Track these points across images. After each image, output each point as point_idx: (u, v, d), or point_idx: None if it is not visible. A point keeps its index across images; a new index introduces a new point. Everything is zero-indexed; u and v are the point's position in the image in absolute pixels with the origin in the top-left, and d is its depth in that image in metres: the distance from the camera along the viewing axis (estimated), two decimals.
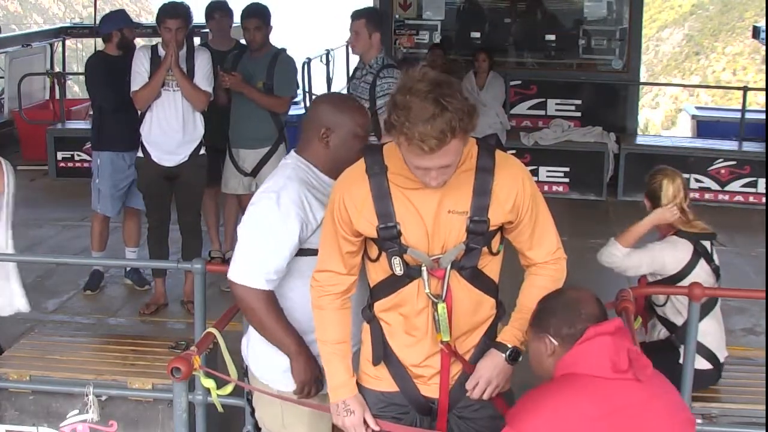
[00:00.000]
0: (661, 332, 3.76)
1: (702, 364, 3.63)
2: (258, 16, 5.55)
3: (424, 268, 2.38)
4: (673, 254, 3.68)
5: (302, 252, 2.63)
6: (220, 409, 2.97)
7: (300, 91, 8.40)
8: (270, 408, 2.78)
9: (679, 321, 3.67)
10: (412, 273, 2.41)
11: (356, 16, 4.97)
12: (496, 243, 2.46)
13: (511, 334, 2.50)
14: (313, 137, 2.70)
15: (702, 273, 3.63)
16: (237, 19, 6.09)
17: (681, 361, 3.50)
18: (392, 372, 2.53)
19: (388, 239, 2.38)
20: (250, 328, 2.78)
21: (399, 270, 2.41)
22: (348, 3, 6.03)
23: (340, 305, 2.52)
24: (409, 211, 2.37)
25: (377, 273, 2.50)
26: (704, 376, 3.64)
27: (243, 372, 2.89)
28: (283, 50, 5.68)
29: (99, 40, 10.62)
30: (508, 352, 2.48)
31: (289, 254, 2.60)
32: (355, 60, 10.80)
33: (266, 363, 2.74)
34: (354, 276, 2.52)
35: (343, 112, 2.70)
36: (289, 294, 2.67)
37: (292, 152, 2.78)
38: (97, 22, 10.65)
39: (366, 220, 2.39)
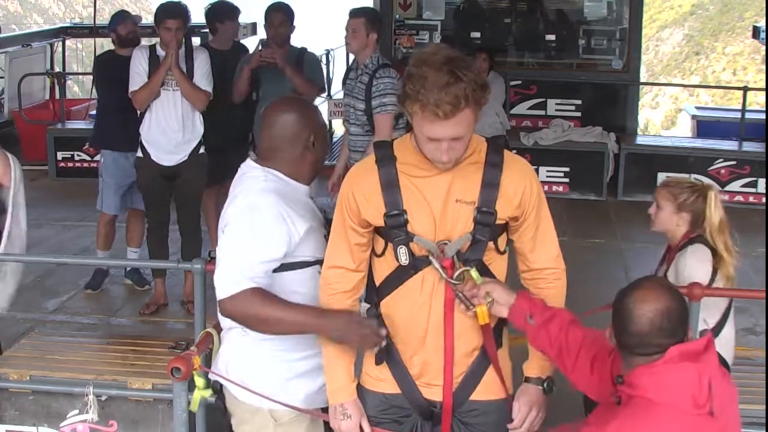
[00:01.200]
0: None
1: None
2: (283, 12, 5.58)
3: (432, 258, 2.38)
4: (703, 267, 3.53)
5: (288, 266, 2.55)
6: (194, 408, 2.97)
7: None
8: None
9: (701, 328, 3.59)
10: (417, 264, 2.41)
11: (355, 14, 4.97)
12: (502, 241, 2.47)
13: (539, 366, 2.52)
14: (294, 148, 2.60)
15: (723, 279, 3.60)
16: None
17: None
18: (394, 373, 2.52)
19: (395, 227, 2.39)
20: (225, 354, 2.71)
21: (404, 259, 2.41)
22: (348, 3, 6.04)
23: (349, 306, 2.52)
24: (417, 199, 2.39)
25: (382, 268, 2.50)
26: None
27: (218, 395, 2.79)
28: (305, 49, 5.72)
29: (99, 40, 10.71)
30: (545, 385, 2.52)
31: (273, 258, 2.49)
32: None
33: (258, 381, 2.63)
34: (362, 272, 2.52)
35: (313, 113, 2.68)
36: None
37: (251, 163, 2.64)
38: (97, 22, 10.75)
39: (374, 208, 2.41)
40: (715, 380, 2.08)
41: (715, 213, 3.55)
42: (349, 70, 5.27)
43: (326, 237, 2.62)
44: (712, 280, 3.51)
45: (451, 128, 2.25)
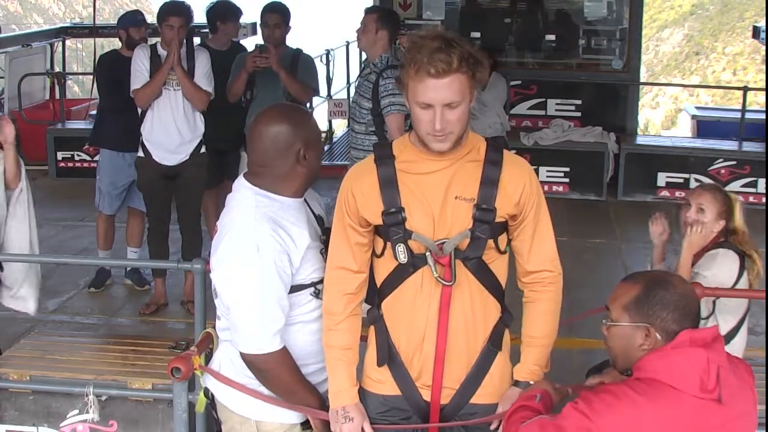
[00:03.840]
0: None
1: None
2: (279, 13, 5.58)
3: (428, 254, 2.38)
4: (728, 266, 3.55)
5: (291, 289, 2.52)
6: (201, 409, 2.96)
7: None
8: None
9: None
10: (416, 262, 2.41)
11: (369, 10, 5.01)
12: (503, 241, 2.47)
13: (528, 371, 2.53)
14: (283, 163, 2.50)
15: (746, 284, 3.59)
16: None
17: None
18: (395, 374, 2.52)
19: (393, 225, 2.39)
20: (217, 359, 2.70)
21: (403, 257, 2.40)
22: (348, 3, 6.07)
23: (351, 311, 2.52)
24: (416, 196, 2.39)
25: (382, 269, 2.50)
26: None
27: (210, 403, 2.77)
28: (301, 50, 5.71)
29: (99, 40, 10.72)
30: None
31: (287, 300, 2.49)
32: (354, 60, 10.83)
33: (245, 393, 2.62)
34: (364, 274, 2.51)
35: (304, 122, 2.57)
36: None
37: (243, 182, 2.56)
38: (97, 22, 10.76)
39: (372, 206, 2.41)
40: (724, 370, 2.09)
41: (740, 221, 3.59)
42: (364, 67, 5.27)
43: (324, 242, 2.61)
44: (735, 284, 3.52)
45: (444, 89, 2.26)
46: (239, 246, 2.45)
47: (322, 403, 2.58)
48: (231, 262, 2.47)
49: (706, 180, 8.04)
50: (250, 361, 2.51)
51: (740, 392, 2.13)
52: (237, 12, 6.08)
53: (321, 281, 2.57)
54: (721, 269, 3.53)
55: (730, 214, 3.65)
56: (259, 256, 2.41)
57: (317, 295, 2.58)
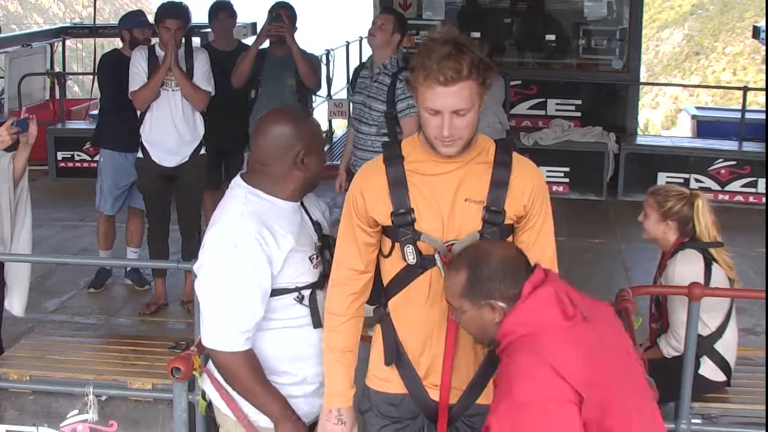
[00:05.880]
0: (675, 347, 3.63)
1: (719, 376, 3.62)
2: (288, 9, 5.61)
3: (437, 255, 2.38)
4: (689, 268, 3.54)
5: (273, 292, 2.49)
6: (202, 411, 2.96)
7: None
8: None
9: (704, 333, 3.57)
10: (424, 263, 2.41)
11: (387, 10, 5.03)
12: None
13: None
14: (281, 164, 2.49)
15: (721, 278, 3.58)
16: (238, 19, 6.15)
17: (701, 371, 3.52)
18: (402, 373, 2.52)
19: (402, 226, 2.39)
20: (212, 364, 2.67)
21: (412, 258, 2.40)
22: (346, 4, 6.09)
23: (354, 312, 2.51)
24: (425, 197, 2.39)
25: (390, 268, 2.49)
26: (717, 386, 3.64)
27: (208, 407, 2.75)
28: (305, 51, 5.74)
29: (99, 40, 10.73)
30: None
31: (263, 302, 2.45)
32: (354, 60, 10.80)
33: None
34: (370, 273, 2.51)
35: (311, 128, 2.56)
36: (257, 333, 2.51)
37: (239, 181, 2.56)
38: (97, 22, 10.77)
39: (381, 207, 2.41)
40: (571, 293, 2.18)
41: (703, 220, 3.57)
42: (361, 68, 5.25)
43: (319, 249, 2.59)
44: (707, 283, 3.51)
45: (452, 97, 2.25)
46: (219, 240, 2.46)
47: (285, 411, 2.51)
48: (208, 254, 2.47)
49: (706, 180, 8.06)
50: (211, 354, 2.51)
51: (597, 310, 2.21)
52: (227, 7, 6.07)
53: (306, 287, 2.55)
54: (683, 273, 3.52)
55: (682, 211, 3.61)
56: (236, 252, 2.41)
57: (301, 300, 2.55)
